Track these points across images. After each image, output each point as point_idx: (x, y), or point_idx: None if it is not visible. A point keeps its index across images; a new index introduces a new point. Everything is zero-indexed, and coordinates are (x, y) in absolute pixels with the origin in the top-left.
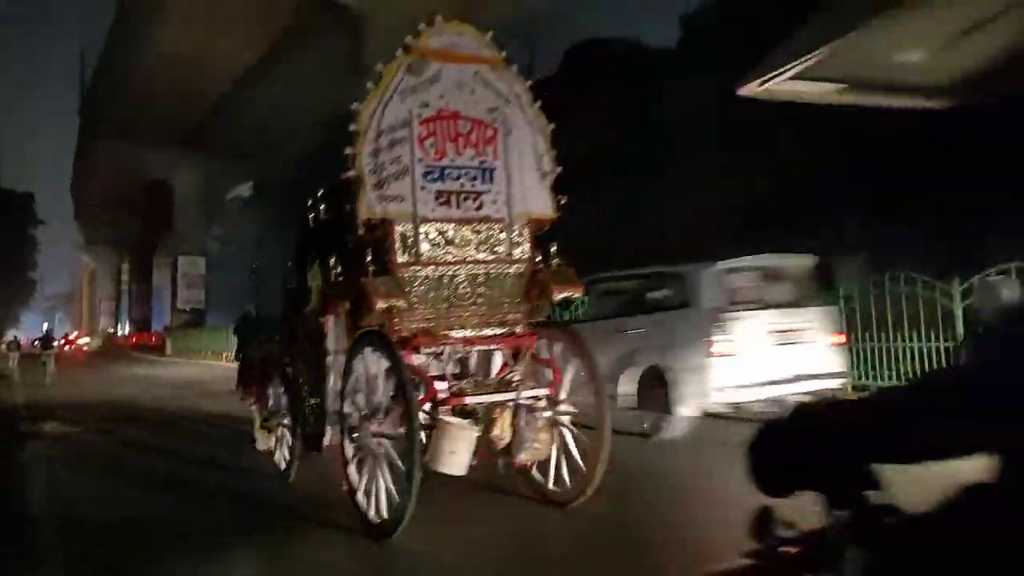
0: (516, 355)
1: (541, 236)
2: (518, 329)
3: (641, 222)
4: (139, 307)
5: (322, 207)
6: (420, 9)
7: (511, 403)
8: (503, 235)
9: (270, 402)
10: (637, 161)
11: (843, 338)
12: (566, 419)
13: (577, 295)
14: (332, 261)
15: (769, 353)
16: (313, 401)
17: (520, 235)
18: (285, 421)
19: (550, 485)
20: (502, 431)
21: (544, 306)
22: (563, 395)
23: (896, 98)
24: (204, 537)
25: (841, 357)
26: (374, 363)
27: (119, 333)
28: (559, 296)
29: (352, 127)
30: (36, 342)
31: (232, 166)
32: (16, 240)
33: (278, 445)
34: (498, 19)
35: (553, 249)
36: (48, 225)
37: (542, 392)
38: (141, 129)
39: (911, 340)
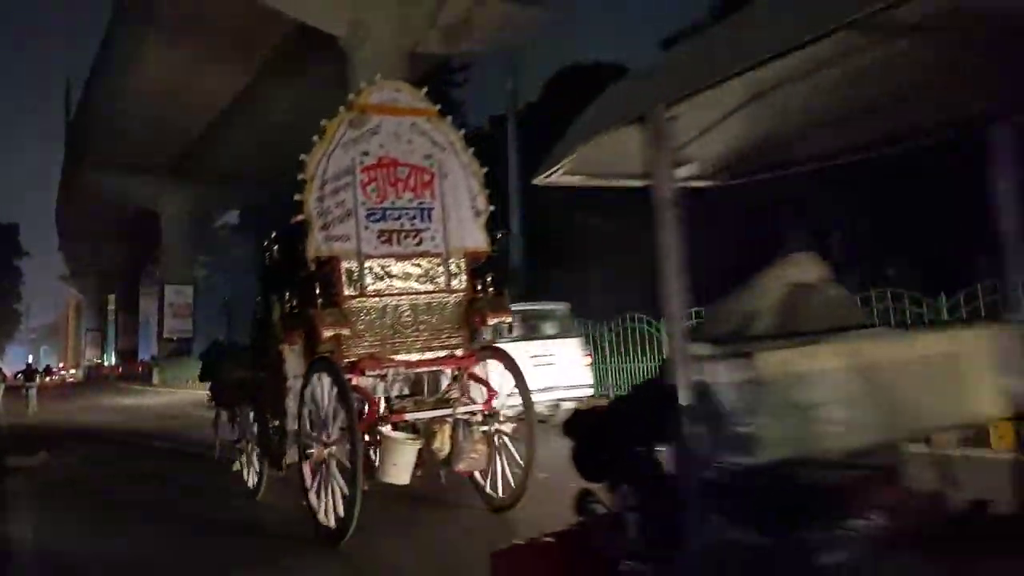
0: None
1: (478, 268)
2: (458, 352)
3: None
4: (125, 337)
5: (276, 247)
6: (405, 38)
7: (449, 418)
8: (441, 268)
9: (240, 425)
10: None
11: (589, 359)
12: (507, 430)
13: (509, 319)
14: (287, 295)
15: (529, 372)
16: (275, 423)
17: (457, 267)
18: (253, 443)
19: (492, 491)
20: (442, 444)
21: (482, 331)
22: (499, 409)
23: (633, 181)
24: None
25: (588, 374)
26: (325, 386)
27: (105, 363)
28: (493, 321)
29: (300, 176)
30: (19, 375)
31: (219, 193)
32: (1, 271)
33: (248, 465)
34: (480, 47)
35: (489, 279)
36: (32, 256)
37: (477, 408)
38: (126, 159)
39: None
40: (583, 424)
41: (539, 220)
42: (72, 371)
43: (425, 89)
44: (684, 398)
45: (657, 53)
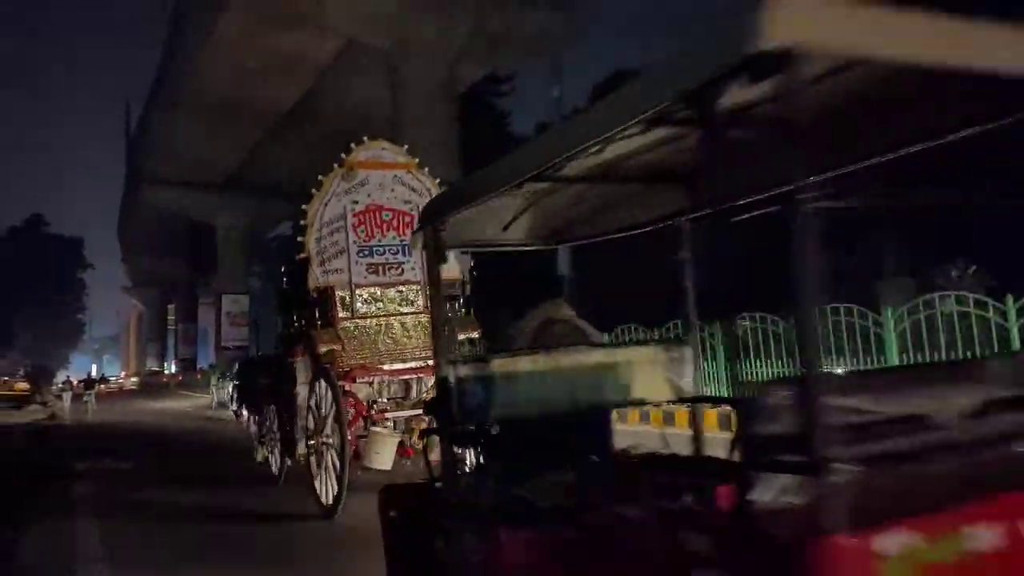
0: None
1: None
2: (432, 362)
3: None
4: (185, 346)
5: (286, 279)
6: (450, 49)
7: (425, 418)
8: (419, 294)
9: (266, 423)
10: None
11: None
12: None
13: (476, 335)
14: (295, 317)
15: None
16: (290, 421)
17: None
18: (275, 438)
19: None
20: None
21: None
22: None
23: (506, 248)
24: (212, 522)
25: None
26: (323, 391)
27: (166, 372)
28: (462, 336)
29: (302, 222)
30: (80, 383)
31: (270, 206)
32: (66, 284)
33: (271, 455)
34: (524, 56)
35: (461, 301)
36: (96, 268)
37: None
38: (184, 175)
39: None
40: (432, 404)
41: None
42: (133, 379)
43: (406, 147)
44: (449, 386)
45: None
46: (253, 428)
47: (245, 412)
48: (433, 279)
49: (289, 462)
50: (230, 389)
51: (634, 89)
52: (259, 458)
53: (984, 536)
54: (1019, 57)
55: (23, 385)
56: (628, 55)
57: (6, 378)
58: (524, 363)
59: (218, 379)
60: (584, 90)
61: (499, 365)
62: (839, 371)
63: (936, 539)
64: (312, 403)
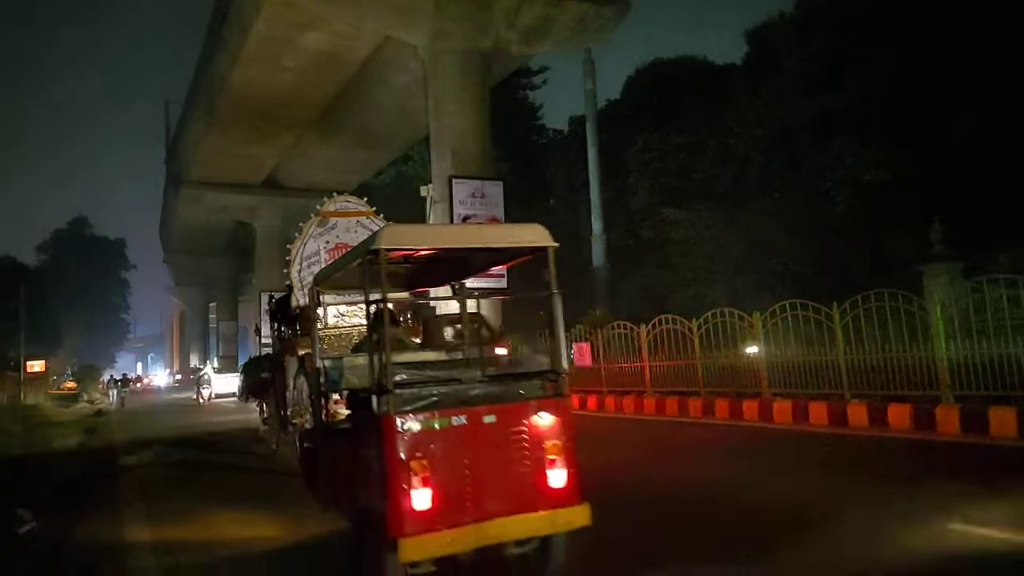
0: None
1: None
2: None
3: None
4: (226, 344)
5: (276, 300)
6: (483, 42)
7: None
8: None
9: (267, 408)
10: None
11: None
12: None
13: (418, 341)
14: (284, 327)
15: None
16: (283, 406)
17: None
18: (273, 419)
19: None
20: None
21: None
22: None
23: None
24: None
25: None
26: (302, 382)
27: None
28: (416, 340)
29: (287, 258)
30: (118, 381)
31: (310, 204)
32: (110, 284)
33: (270, 429)
34: (559, 48)
35: (408, 315)
36: (139, 269)
37: None
38: (223, 175)
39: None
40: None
41: (623, 220)
42: (177, 375)
43: (365, 199)
44: (320, 371)
45: (740, 45)
46: (257, 410)
47: (251, 398)
48: (310, 316)
49: (283, 434)
50: (239, 380)
51: (352, 252)
52: (261, 433)
53: (457, 419)
54: (498, 239)
55: (71, 384)
56: (664, 46)
57: (55, 377)
58: (360, 359)
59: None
60: (618, 82)
61: (348, 360)
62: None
63: (436, 418)
64: (295, 391)
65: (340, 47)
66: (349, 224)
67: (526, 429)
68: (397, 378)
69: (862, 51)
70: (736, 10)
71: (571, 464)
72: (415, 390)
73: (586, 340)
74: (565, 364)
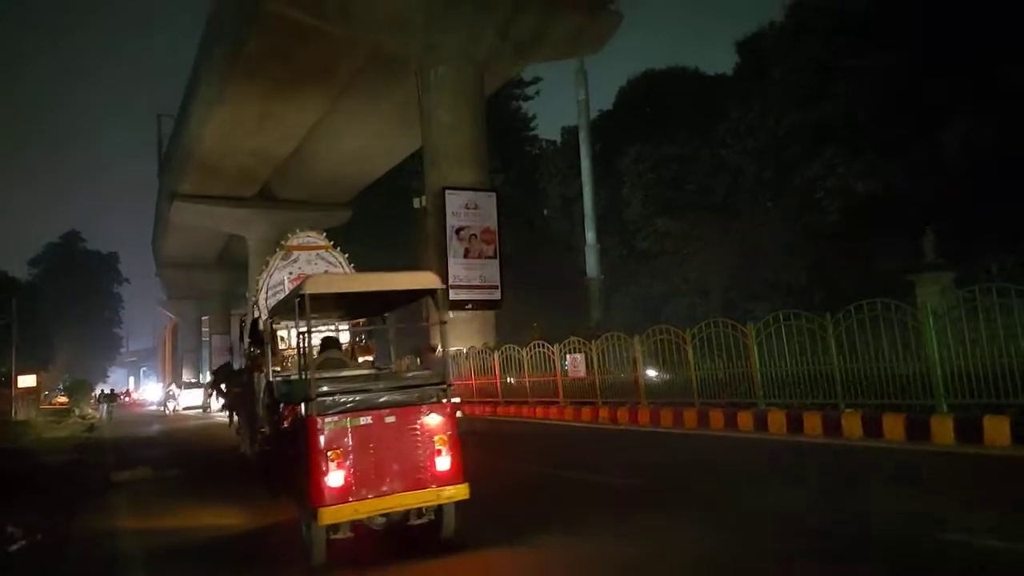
0: None
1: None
2: None
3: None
4: (219, 357)
5: (245, 322)
6: (477, 54)
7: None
8: (334, 331)
9: (239, 419)
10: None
11: None
12: None
13: (371, 358)
14: (253, 346)
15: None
16: (252, 417)
17: (343, 330)
18: (245, 428)
19: None
20: None
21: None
22: None
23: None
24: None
25: None
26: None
27: (200, 382)
28: (362, 359)
29: (256, 287)
30: (107, 396)
31: (297, 218)
32: (102, 298)
33: (243, 441)
34: (552, 59)
35: (362, 336)
36: (131, 283)
37: None
38: (214, 188)
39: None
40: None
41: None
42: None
43: (324, 234)
44: (271, 384)
45: (732, 55)
46: (233, 422)
47: (225, 412)
48: (261, 341)
49: (253, 442)
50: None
51: (290, 294)
52: (239, 442)
53: (364, 419)
54: (400, 284)
55: (63, 399)
56: (655, 56)
57: (46, 392)
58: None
59: None
60: (611, 92)
61: (292, 379)
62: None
63: (348, 419)
64: (261, 403)
65: (334, 59)
66: (310, 257)
67: (419, 426)
68: (323, 389)
69: (851, 62)
70: (727, 21)
71: (455, 453)
72: (333, 398)
73: (580, 351)
74: (451, 378)
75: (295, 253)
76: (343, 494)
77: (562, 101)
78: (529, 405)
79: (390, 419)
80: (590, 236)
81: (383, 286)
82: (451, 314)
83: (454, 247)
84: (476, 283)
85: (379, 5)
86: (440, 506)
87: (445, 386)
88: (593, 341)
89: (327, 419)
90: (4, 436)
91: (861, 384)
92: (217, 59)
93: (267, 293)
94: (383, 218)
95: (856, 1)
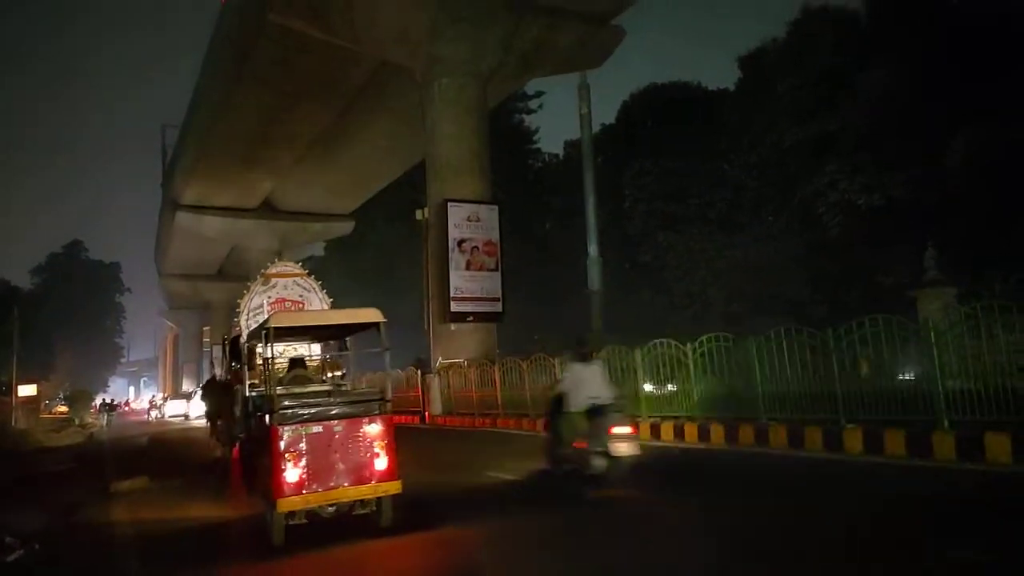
0: None
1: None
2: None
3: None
4: (220, 367)
5: (228, 340)
6: (480, 66)
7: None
8: (307, 348)
9: (220, 426)
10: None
11: None
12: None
13: (341, 372)
14: (234, 361)
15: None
16: (233, 425)
17: (315, 348)
18: (225, 436)
19: None
20: None
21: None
22: None
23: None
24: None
25: None
26: (244, 406)
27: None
28: (331, 374)
29: (237, 309)
30: (107, 406)
31: (304, 227)
32: (104, 308)
33: (220, 447)
34: (555, 72)
35: (329, 356)
36: (133, 292)
37: None
38: (219, 199)
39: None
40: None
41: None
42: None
43: (301, 263)
44: (247, 398)
45: (734, 70)
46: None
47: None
48: (240, 357)
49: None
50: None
51: (259, 326)
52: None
53: (316, 428)
54: (346, 318)
55: (63, 409)
56: (658, 70)
57: (47, 401)
58: (278, 390)
59: None
60: (614, 106)
61: (265, 393)
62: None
63: (303, 428)
64: (240, 411)
65: (339, 72)
66: (287, 283)
67: (362, 434)
68: (284, 403)
69: (853, 78)
70: (729, 36)
71: (391, 455)
72: (292, 411)
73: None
74: (390, 394)
75: (273, 280)
76: (298, 488)
77: (565, 115)
78: (529, 418)
79: (338, 428)
80: (592, 249)
81: (333, 320)
82: (452, 326)
83: (456, 259)
84: (478, 295)
85: (383, 18)
86: (378, 498)
87: (384, 401)
88: (594, 353)
89: (286, 428)
90: (3, 444)
91: (862, 399)
92: (223, 69)
93: (248, 315)
94: (387, 230)
95: (857, 18)
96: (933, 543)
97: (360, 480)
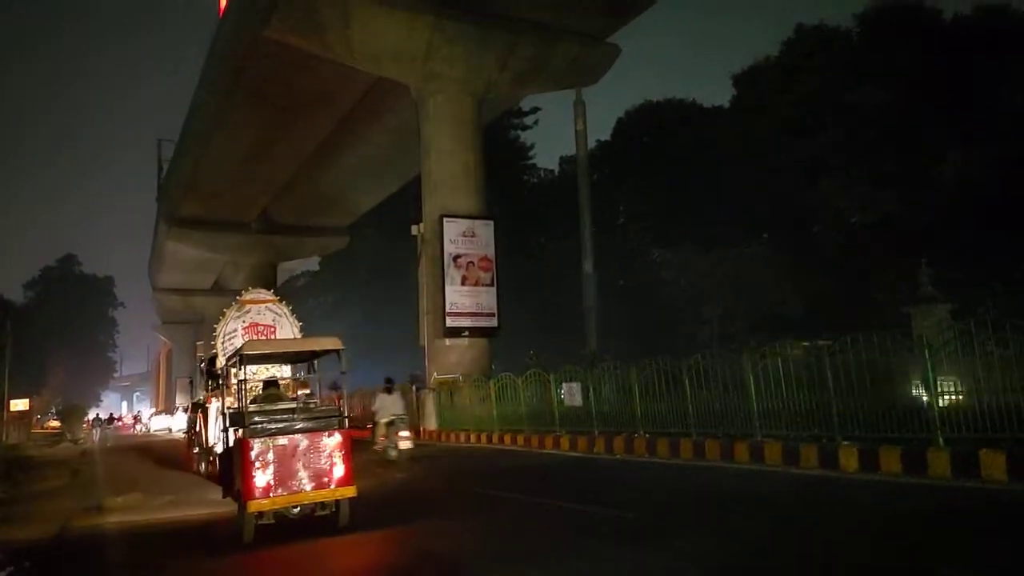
0: None
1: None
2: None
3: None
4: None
5: (204, 362)
6: (476, 83)
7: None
8: (278, 369)
9: (196, 439)
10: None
11: None
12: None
13: (308, 391)
14: (210, 381)
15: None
16: (207, 439)
17: (287, 369)
18: (202, 449)
19: None
20: None
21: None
22: None
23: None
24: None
25: None
26: (219, 420)
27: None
28: (299, 392)
29: (214, 333)
30: (102, 421)
31: (299, 243)
32: (97, 322)
33: (199, 458)
34: (550, 88)
35: (301, 372)
36: (126, 307)
37: None
38: (213, 215)
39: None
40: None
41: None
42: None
43: (272, 291)
44: (226, 415)
45: (728, 88)
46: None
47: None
48: (216, 377)
49: (205, 458)
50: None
51: (234, 352)
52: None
53: (282, 440)
54: (310, 345)
55: (55, 424)
56: (653, 87)
57: (38, 416)
58: (250, 407)
59: None
60: (609, 123)
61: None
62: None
63: (270, 440)
64: (218, 428)
65: (335, 88)
66: (260, 309)
67: (322, 445)
68: (255, 419)
69: (846, 97)
70: (724, 53)
71: (348, 464)
72: (261, 426)
73: (575, 380)
74: (346, 412)
75: (248, 306)
76: (265, 492)
77: (560, 131)
78: (524, 434)
79: (302, 440)
80: (587, 265)
81: (298, 348)
82: (448, 341)
83: (451, 274)
84: (473, 310)
85: (379, 36)
86: (337, 501)
87: (343, 417)
88: (590, 370)
89: (256, 440)
90: None
91: (857, 416)
92: (218, 84)
93: (223, 339)
94: (383, 245)
95: (850, 36)
96: (927, 560)
97: (320, 485)
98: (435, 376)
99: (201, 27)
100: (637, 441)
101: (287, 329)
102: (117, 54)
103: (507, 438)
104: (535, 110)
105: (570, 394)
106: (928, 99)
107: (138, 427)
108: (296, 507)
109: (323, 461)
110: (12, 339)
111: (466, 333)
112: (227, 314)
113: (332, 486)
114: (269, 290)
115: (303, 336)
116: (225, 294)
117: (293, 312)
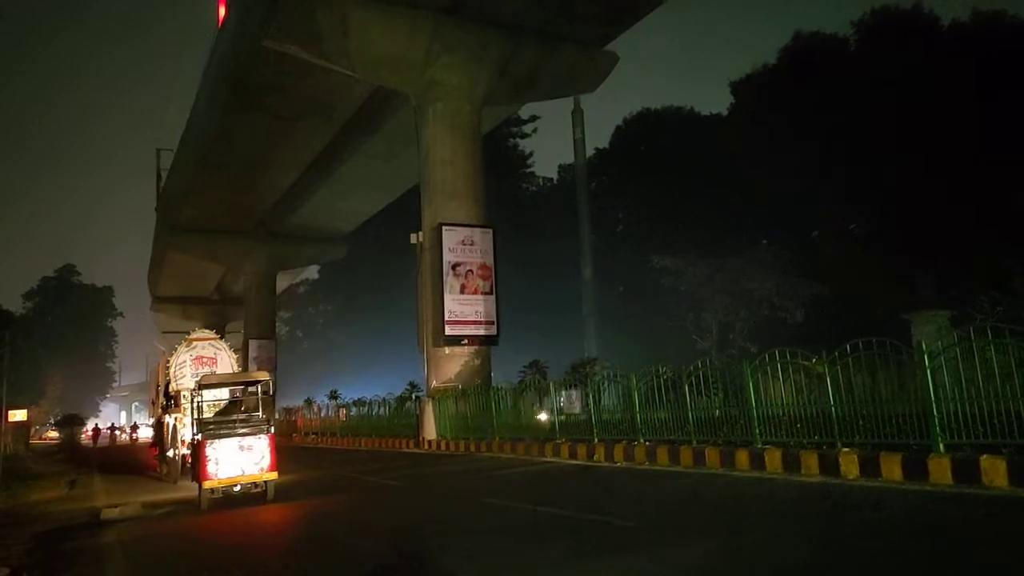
0: None
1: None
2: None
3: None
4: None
5: (162, 387)
6: (475, 91)
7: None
8: (226, 392)
9: (161, 450)
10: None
11: None
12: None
13: (264, 414)
14: (167, 400)
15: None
16: (168, 448)
17: (238, 392)
18: (164, 457)
19: None
20: None
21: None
22: None
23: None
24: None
25: None
26: (173, 433)
27: None
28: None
29: (167, 365)
30: (103, 430)
31: (299, 250)
32: (96, 332)
33: (161, 464)
34: (550, 96)
35: (250, 390)
36: (126, 316)
37: None
38: (212, 224)
39: None
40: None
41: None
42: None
43: (214, 330)
44: (193, 423)
45: (726, 95)
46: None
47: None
48: (170, 398)
49: (166, 468)
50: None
51: (196, 383)
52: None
53: (227, 441)
54: (246, 377)
55: (54, 434)
56: (651, 95)
57: (36, 427)
58: (208, 418)
59: None
60: (607, 131)
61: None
62: None
63: (219, 441)
64: (170, 438)
65: (334, 96)
66: (204, 344)
67: (255, 444)
68: (208, 428)
69: (843, 103)
70: (722, 59)
71: (272, 457)
72: (212, 430)
73: (575, 387)
74: (272, 421)
75: (195, 343)
76: (215, 474)
77: (559, 139)
78: (524, 442)
79: (242, 441)
80: (586, 272)
81: (235, 379)
82: (447, 350)
83: (450, 283)
84: (472, 319)
85: (378, 45)
86: (265, 482)
87: (269, 425)
88: (589, 378)
89: (208, 442)
90: None
91: (858, 423)
92: (218, 93)
93: (175, 368)
94: (381, 253)
95: (847, 42)
96: (928, 568)
97: (252, 471)
98: (434, 384)
99: (198, 39)
100: (637, 449)
101: (224, 359)
102: (116, 59)
103: (507, 447)
104: (534, 118)
105: (569, 402)
106: (929, 103)
107: (124, 436)
108: (236, 486)
109: (256, 454)
110: (11, 350)
111: (465, 341)
112: (178, 349)
113: (262, 471)
114: (271, 297)
115: (238, 362)
116: (225, 304)
117: (231, 346)
